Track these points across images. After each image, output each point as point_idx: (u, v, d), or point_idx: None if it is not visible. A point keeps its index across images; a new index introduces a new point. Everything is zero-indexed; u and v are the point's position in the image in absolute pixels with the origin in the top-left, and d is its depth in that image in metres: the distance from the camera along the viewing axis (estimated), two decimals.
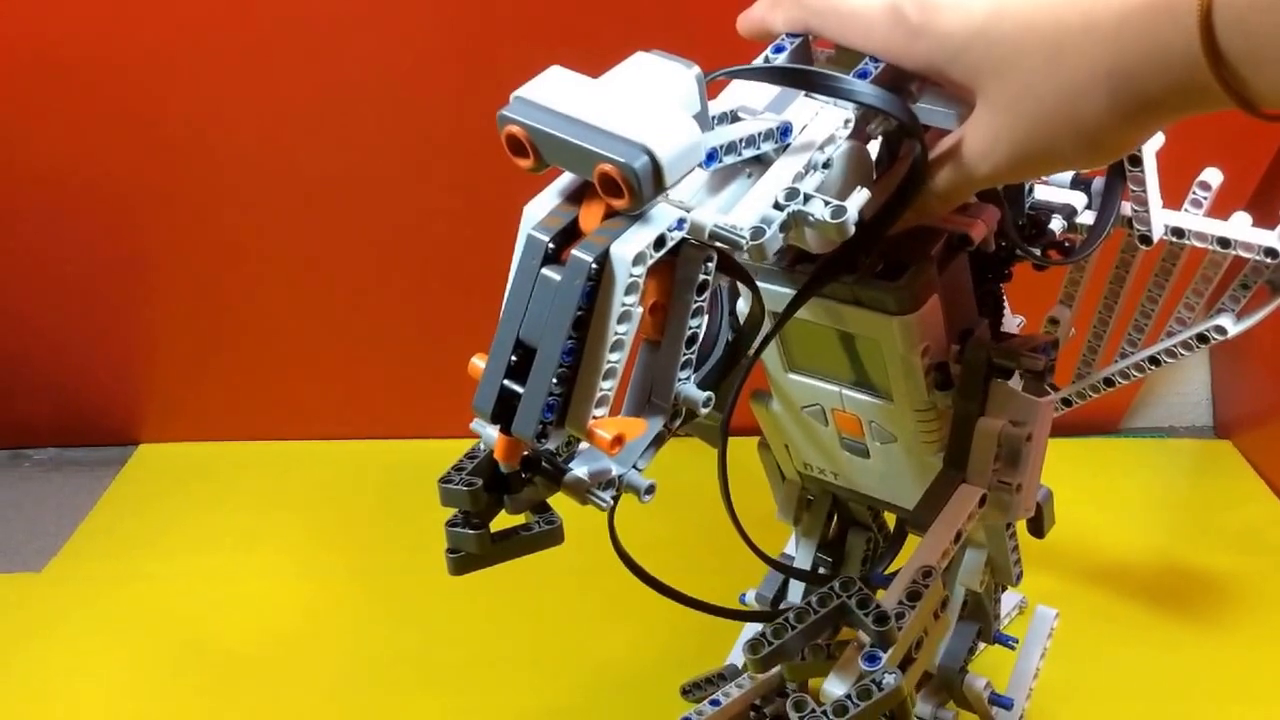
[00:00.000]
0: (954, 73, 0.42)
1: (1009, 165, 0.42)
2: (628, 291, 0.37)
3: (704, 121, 0.41)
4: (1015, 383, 0.52)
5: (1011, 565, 0.59)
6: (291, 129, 0.90)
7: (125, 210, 0.94)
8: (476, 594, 0.83)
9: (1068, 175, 0.60)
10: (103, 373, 1.03)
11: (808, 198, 0.41)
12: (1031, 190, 0.58)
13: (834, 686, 0.44)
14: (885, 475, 0.58)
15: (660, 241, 0.38)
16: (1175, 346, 0.66)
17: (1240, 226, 0.60)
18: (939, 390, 0.51)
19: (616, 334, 0.38)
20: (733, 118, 0.43)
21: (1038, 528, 0.62)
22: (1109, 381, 0.70)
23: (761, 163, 0.42)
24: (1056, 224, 0.57)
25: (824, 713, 0.43)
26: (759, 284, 0.47)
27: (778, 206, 0.41)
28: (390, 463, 1.01)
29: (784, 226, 0.40)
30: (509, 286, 0.39)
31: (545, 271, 0.38)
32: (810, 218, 0.40)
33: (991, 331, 0.55)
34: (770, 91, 0.45)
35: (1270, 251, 0.59)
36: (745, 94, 0.45)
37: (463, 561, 0.46)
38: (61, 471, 1.04)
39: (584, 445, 0.43)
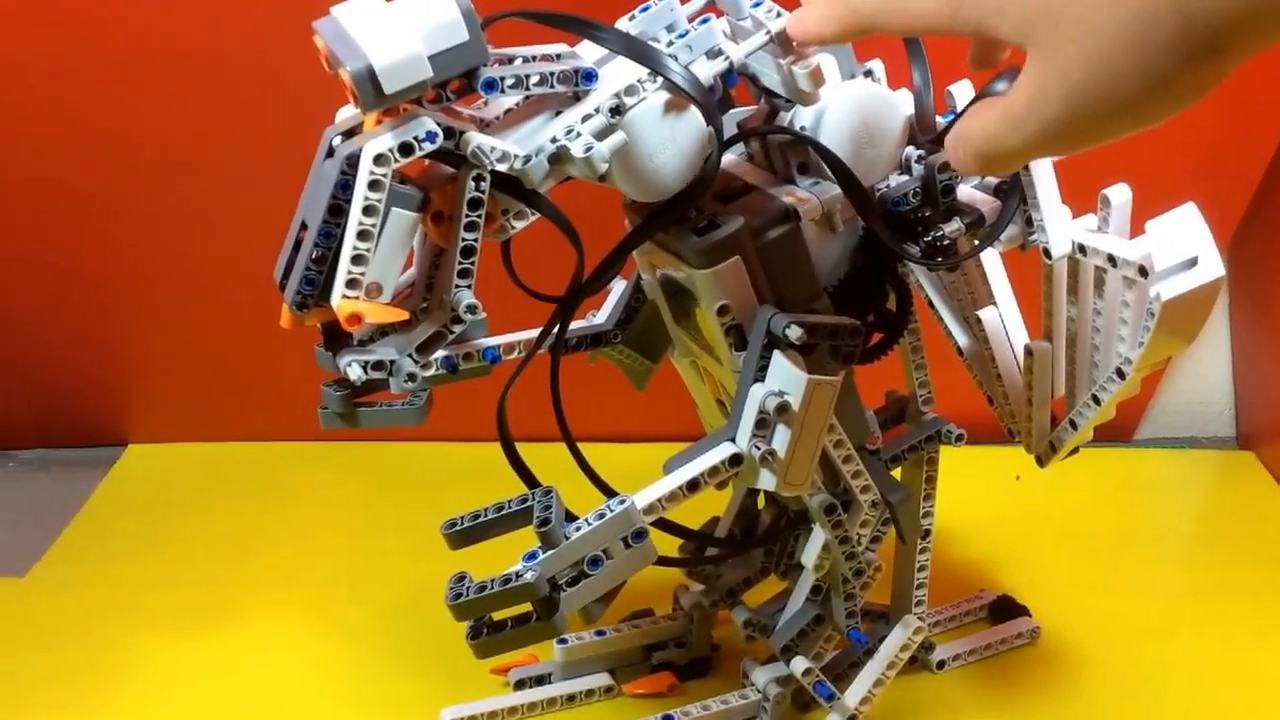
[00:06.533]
0: (1004, 28, 0.37)
1: (1060, 121, 0.37)
2: (371, 187, 0.42)
3: (477, 52, 0.44)
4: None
5: (841, 557, 0.59)
6: (280, 123, 0.86)
7: (113, 206, 0.92)
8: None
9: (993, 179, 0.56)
10: (91, 370, 1.00)
11: (578, 135, 0.45)
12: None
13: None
14: None
15: (407, 148, 0.42)
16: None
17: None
18: (736, 352, 0.53)
19: (362, 224, 0.43)
20: (530, 59, 0.47)
21: (898, 530, 0.64)
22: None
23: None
24: (953, 225, 0.54)
25: (466, 587, 0.49)
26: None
27: (554, 141, 0.46)
28: (387, 465, 0.97)
29: (552, 159, 0.45)
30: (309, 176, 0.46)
31: (322, 163, 0.45)
32: (569, 152, 0.45)
33: (875, 318, 0.57)
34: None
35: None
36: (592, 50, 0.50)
37: (329, 418, 0.55)
38: (48, 472, 1.00)
39: (389, 336, 0.49)
